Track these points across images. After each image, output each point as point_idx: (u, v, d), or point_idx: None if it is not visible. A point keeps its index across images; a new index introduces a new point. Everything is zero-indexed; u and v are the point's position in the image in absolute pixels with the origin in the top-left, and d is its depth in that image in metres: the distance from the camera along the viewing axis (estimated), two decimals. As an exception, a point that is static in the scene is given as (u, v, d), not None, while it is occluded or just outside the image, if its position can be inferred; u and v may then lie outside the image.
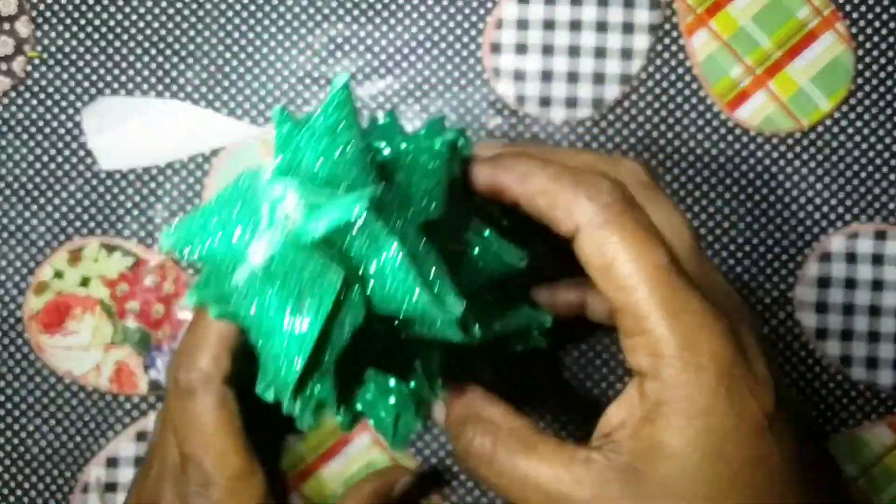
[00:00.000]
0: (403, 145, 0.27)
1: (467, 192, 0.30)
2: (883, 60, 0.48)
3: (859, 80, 0.48)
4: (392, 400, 0.31)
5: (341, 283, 0.20)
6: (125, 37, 0.49)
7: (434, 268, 0.22)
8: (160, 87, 0.49)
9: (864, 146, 0.48)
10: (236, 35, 0.49)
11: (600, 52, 0.48)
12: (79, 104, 0.49)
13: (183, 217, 0.23)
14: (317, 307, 0.20)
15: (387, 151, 0.27)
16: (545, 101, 0.49)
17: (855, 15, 0.48)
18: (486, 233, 0.29)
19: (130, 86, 0.49)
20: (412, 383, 0.29)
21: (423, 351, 0.28)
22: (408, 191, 0.25)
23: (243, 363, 0.35)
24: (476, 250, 0.28)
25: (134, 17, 0.49)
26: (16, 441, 0.48)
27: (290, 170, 0.22)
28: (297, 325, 0.20)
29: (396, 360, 0.28)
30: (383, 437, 0.31)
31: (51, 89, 0.49)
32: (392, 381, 0.30)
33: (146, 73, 0.49)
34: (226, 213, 0.22)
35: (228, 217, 0.22)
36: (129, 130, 0.49)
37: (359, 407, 0.31)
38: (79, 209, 0.49)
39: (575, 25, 0.48)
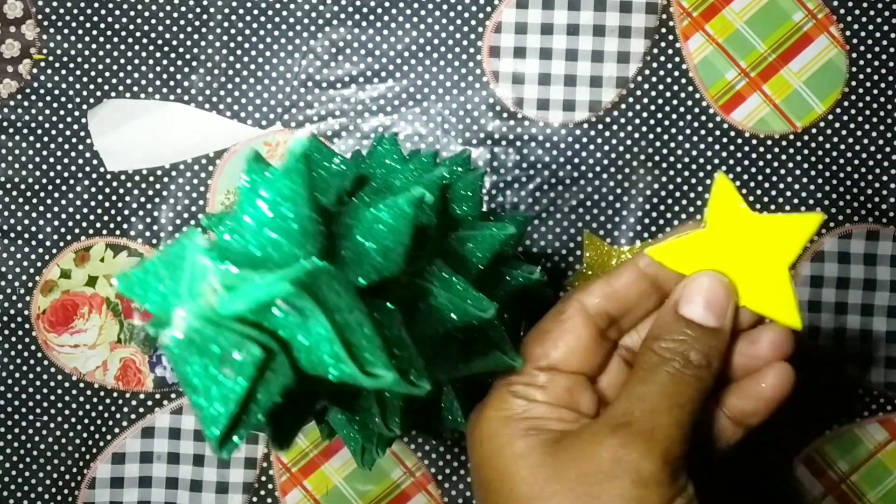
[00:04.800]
0: (367, 198, 0.27)
1: (442, 233, 0.30)
2: (876, 63, 0.49)
3: (853, 83, 0.49)
4: (356, 429, 0.31)
5: (260, 355, 0.20)
6: (130, 40, 0.50)
7: (365, 340, 0.22)
8: (165, 90, 0.50)
9: (858, 148, 0.49)
10: (240, 39, 0.50)
11: (597, 56, 0.49)
12: (85, 106, 0.50)
13: (134, 266, 0.23)
14: (235, 376, 0.20)
15: (349, 205, 0.27)
16: (543, 104, 0.49)
17: (849, 18, 0.49)
18: (456, 280, 0.29)
19: (136, 88, 0.50)
20: (371, 423, 0.30)
21: (377, 395, 0.28)
22: (364, 248, 0.25)
23: None
24: (441, 296, 0.28)
25: (139, 21, 0.50)
26: (24, 437, 0.49)
27: (234, 236, 0.22)
28: (217, 390, 0.21)
29: (351, 400, 0.28)
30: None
31: (57, 91, 0.50)
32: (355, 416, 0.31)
33: (151, 75, 0.50)
34: (163, 272, 0.23)
35: (165, 276, 0.23)
36: (135, 132, 0.50)
37: (331, 423, 0.32)
38: (85, 210, 0.50)
39: (572, 30, 0.49)
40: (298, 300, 0.20)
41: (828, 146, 0.49)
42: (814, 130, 0.49)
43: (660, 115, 0.49)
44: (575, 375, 0.31)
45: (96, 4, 0.50)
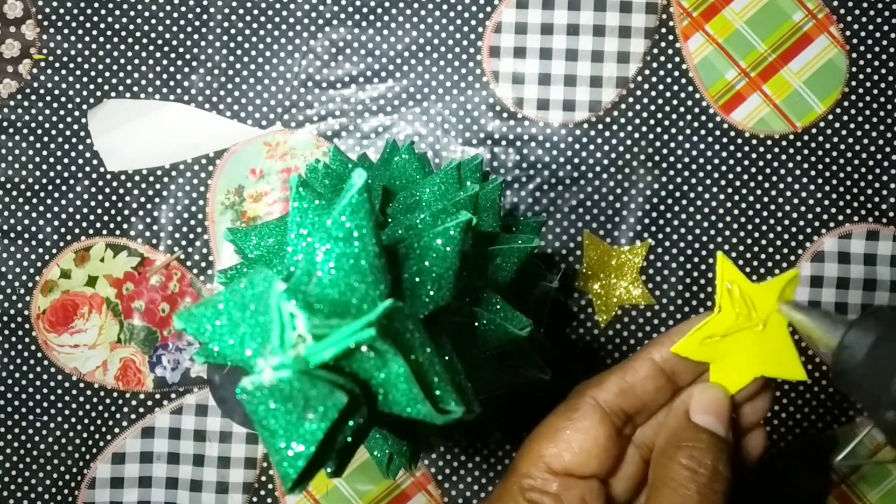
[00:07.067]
0: (419, 222, 0.27)
1: (479, 260, 0.30)
2: (876, 63, 0.49)
3: (853, 83, 0.49)
4: (388, 442, 0.31)
5: (345, 401, 0.20)
6: (130, 40, 0.50)
7: (437, 377, 0.22)
8: (165, 90, 0.50)
9: (858, 148, 0.49)
10: (240, 39, 0.50)
11: (597, 56, 0.49)
12: (85, 106, 0.50)
13: (196, 304, 0.23)
14: (319, 421, 0.20)
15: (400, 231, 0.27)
16: (543, 104, 0.49)
17: (849, 18, 0.49)
18: (496, 300, 0.29)
19: (136, 88, 0.50)
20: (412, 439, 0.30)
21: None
22: (419, 278, 0.25)
23: None
24: (484, 319, 0.28)
25: (139, 21, 0.50)
26: (24, 437, 0.49)
27: (303, 283, 0.22)
28: (298, 434, 0.20)
29: (397, 424, 0.28)
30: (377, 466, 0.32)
31: (57, 92, 0.50)
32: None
33: (151, 75, 0.50)
34: (236, 313, 0.22)
35: (238, 318, 0.22)
36: (135, 132, 0.50)
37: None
38: (85, 210, 0.50)
39: (572, 30, 0.49)
40: (379, 343, 0.20)
41: (828, 146, 0.49)
42: (814, 130, 0.49)
43: (660, 115, 0.49)
44: (589, 481, 0.30)
45: (96, 4, 0.50)
